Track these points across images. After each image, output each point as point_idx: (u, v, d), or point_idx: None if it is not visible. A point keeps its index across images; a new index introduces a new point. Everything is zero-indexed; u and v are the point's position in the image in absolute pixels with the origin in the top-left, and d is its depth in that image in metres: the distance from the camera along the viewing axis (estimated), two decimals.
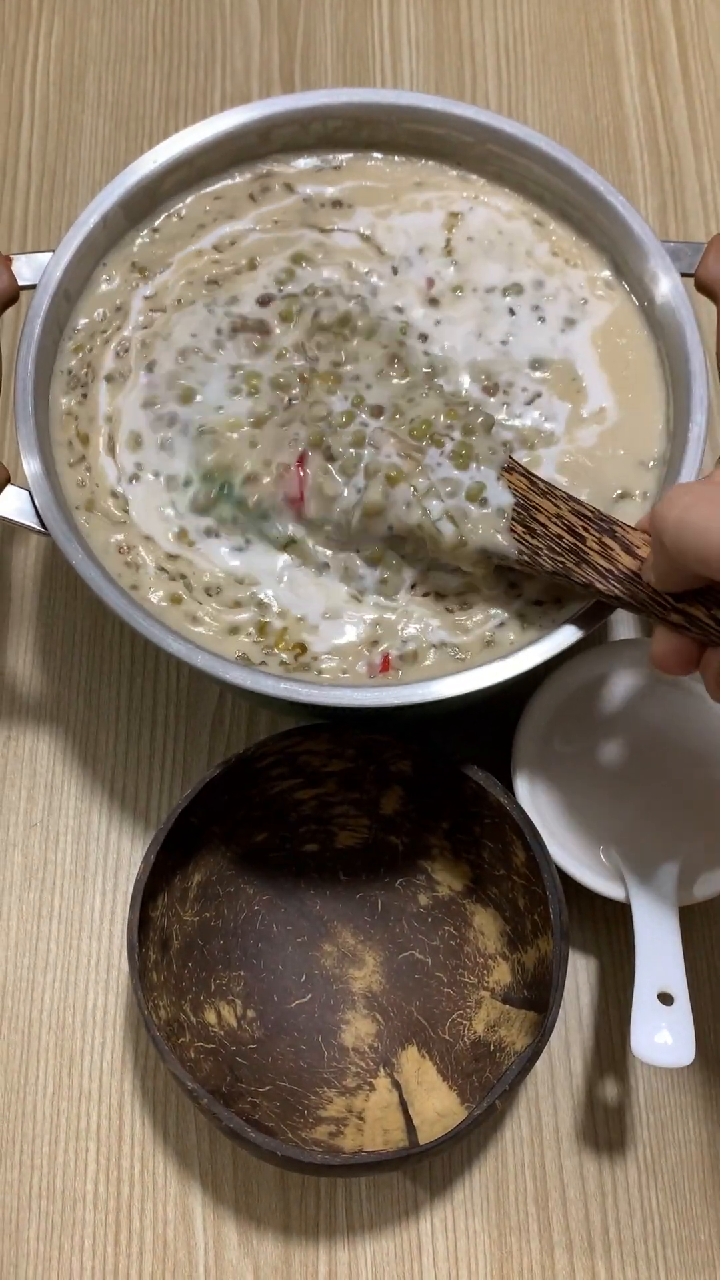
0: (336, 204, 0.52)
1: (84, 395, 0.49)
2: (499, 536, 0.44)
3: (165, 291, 0.51)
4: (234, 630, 0.46)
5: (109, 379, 0.49)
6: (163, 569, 0.47)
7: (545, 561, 0.43)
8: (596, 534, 0.42)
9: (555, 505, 0.44)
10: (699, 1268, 0.50)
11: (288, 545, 0.47)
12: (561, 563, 0.42)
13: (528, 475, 0.45)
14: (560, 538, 0.43)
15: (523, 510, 0.44)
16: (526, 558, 0.43)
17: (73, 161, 0.69)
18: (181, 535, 0.47)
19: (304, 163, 0.52)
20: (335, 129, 0.52)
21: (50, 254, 0.49)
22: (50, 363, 0.49)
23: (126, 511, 0.47)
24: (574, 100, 0.70)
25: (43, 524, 0.45)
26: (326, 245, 0.51)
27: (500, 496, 0.44)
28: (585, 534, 0.43)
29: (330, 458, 0.46)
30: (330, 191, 0.52)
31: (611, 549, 0.42)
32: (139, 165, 0.50)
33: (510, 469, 0.45)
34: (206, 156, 0.51)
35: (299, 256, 0.51)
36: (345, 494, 0.45)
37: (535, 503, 0.44)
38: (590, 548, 0.42)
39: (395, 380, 0.48)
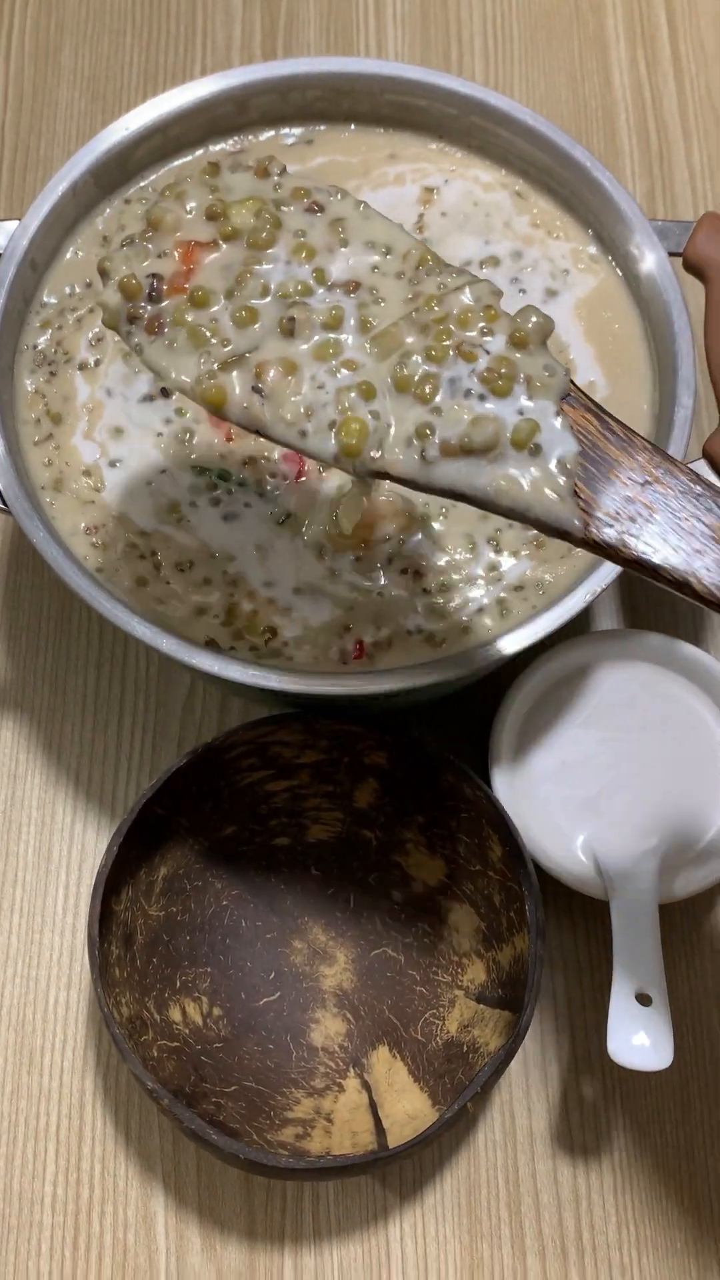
0: None
1: (52, 374, 0.48)
2: (559, 506, 0.33)
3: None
4: (201, 612, 0.44)
5: (83, 367, 0.47)
6: (133, 545, 0.45)
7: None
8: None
9: (632, 458, 0.33)
10: (675, 1275, 0.48)
11: (286, 520, 0.45)
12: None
13: (595, 409, 0.34)
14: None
15: (590, 465, 0.33)
16: (585, 528, 0.33)
17: (47, 135, 0.68)
18: (172, 509, 0.45)
19: (278, 133, 0.51)
20: (315, 99, 0.50)
21: (16, 222, 0.47)
22: (15, 337, 0.48)
23: (99, 491, 0.46)
24: (562, 82, 0.69)
25: (3, 502, 0.44)
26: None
27: (560, 442, 0.33)
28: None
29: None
30: (299, 170, 0.50)
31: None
32: (110, 132, 0.48)
33: (570, 398, 0.34)
34: (181, 125, 0.50)
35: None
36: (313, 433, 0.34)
37: (609, 454, 0.33)
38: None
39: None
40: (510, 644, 0.42)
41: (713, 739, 0.51)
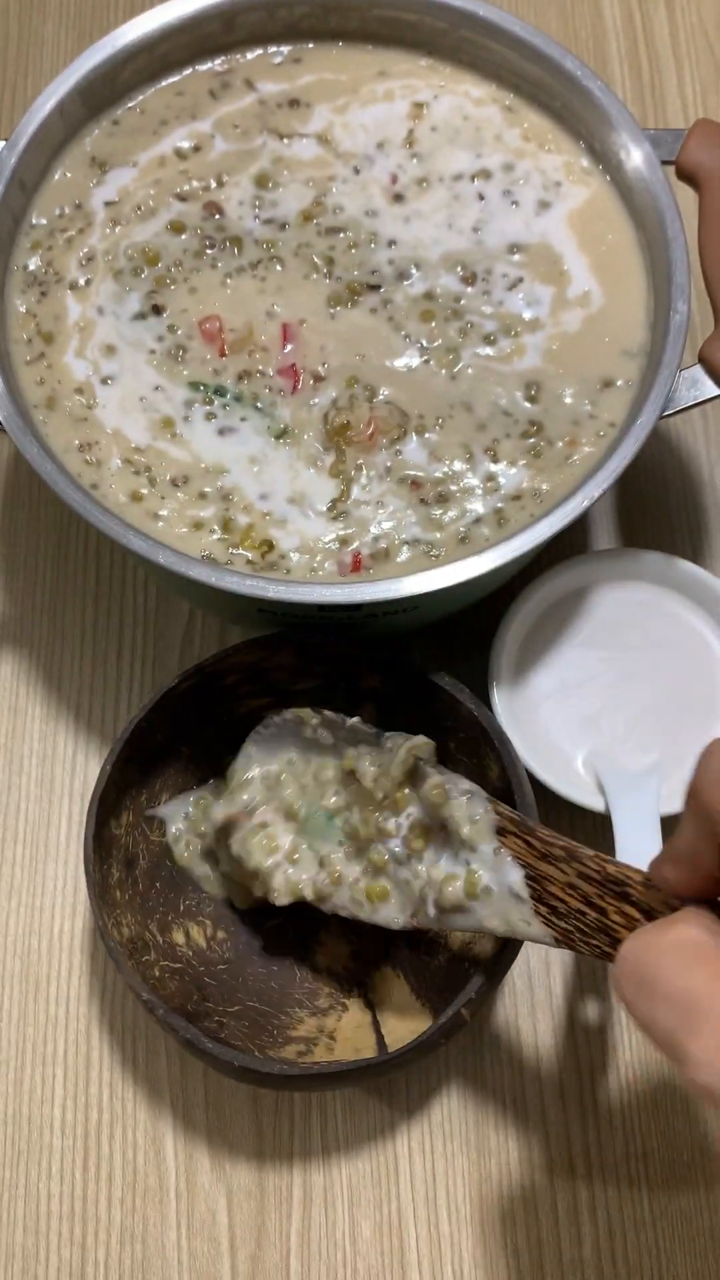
0: (294, 103, 0.50)
1: (43, 294, 0.47)
2: (530, 926, 0.39)
3: (127, 198, 0.49)
4: (198, 526, 0.44)
5: (73, 287, 0.47)
6: (128, 461, 0.45)
7: (582, 947, 0.38)
8: (615, 902, 0.37)
9: (561, 870, 0.38)
10: (681, 1187, 0.48)
11: (283, 434, 0.45)
12: (597, 946, 0.37)
13: (520, 830, 0.40)
14: (584, 914, 0.37)
15: (535, 884, 0.39)
16: (564, 943, 0.38)
17: (34, 74, 0.67)
18: (165, 424, 0.45)
19: (266, 52, 0.50)
20: (302, 16, 0.50)
21: (3, 142, 0.47)
22: (5, 257, 0.47)
23: (91, 409, 0.46)
24: (552, 13, 0.68)
25: None
26: (287, 159, 0.49)
27: (504, 874, 0.39)
28: (605, 905, 0.37)
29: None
30: (287, 89, 0.50)
31: (635, 920, 0.36)
32: (97, 49, 0.48)
33: (503, 829, 0.40)
34: (168, 43, 0.49)
35: (263, 178, 0.49)
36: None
37: (543, 871, 0.38)
38: (615, 922, 0.37)
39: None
40: (506, 552, 0.42)
41: (711, 655, 0.51)
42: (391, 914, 0.43)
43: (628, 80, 0.67)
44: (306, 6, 0.50)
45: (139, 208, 0.48)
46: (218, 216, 0.48)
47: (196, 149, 0.49)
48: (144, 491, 0.45)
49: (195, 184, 0.49)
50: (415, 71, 0.50)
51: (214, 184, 0.49)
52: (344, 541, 0.44)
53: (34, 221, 0.48)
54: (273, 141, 0.49)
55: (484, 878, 0.40)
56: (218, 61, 0.50)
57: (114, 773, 0.46)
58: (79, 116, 0.49)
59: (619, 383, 0.45)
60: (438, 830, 0.42)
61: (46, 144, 0.48)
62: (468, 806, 0.41)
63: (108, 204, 0.48)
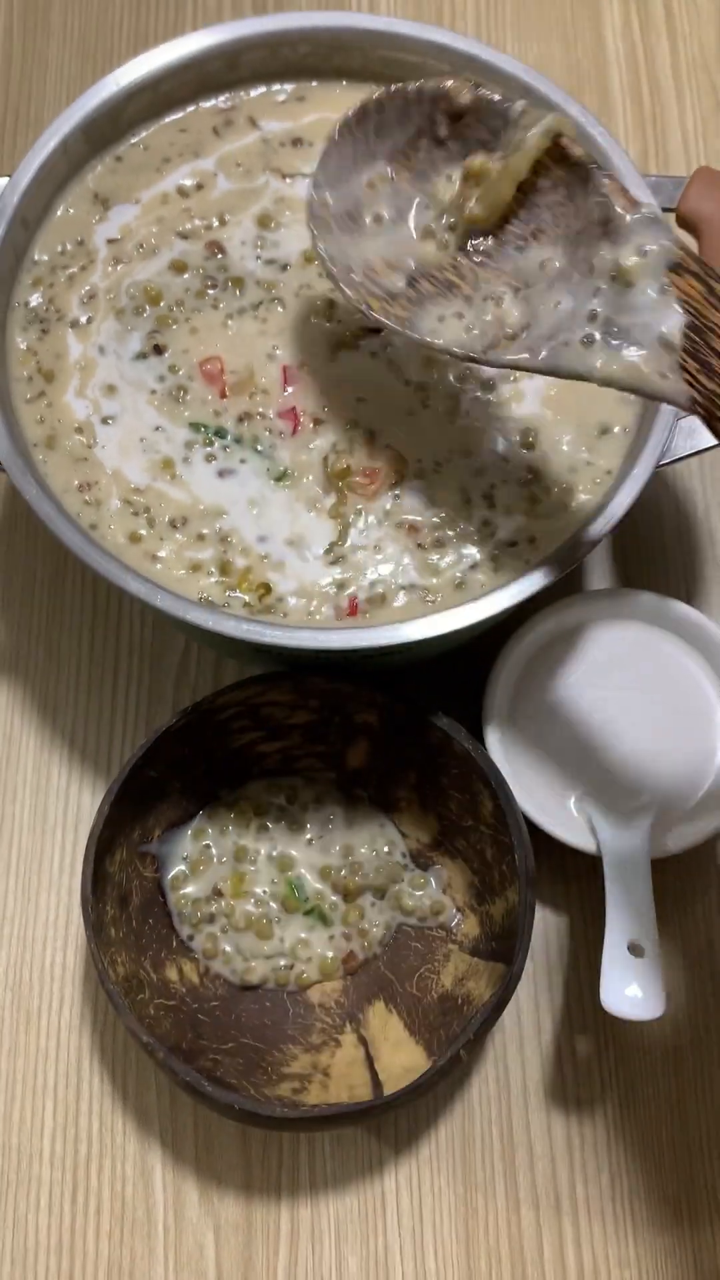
0: (297, 142, 0.50)
1: (44, 331, 0.47)
2: (666, 380, 0.33)
3: (129, 235, 0.49)
4: (196, 568, 0.44)
5: (74, 325, 0.47)
6: (127, 502, 0.45)
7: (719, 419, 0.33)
8: None
9: None
10: (667, 1225, 0.49)
11: (282, 477, 0.45)
12: None
13: (705, 274, 0.34)
14: None
15: (695, 336, 0.33)
16: (702, 410, 0.33)
17: (37, 97, 0.67)
18: (165, 465, 0.45)
19: (269, 90, 0.50)
20: (306, 55, 0.50)
21: (6, 179, 0.47)
22: (7, 294, 0.47)
23: (91, 448, 0.46)
24: (555, 42, 0.69)
25: None
26: (288, 198, 0.49)
27: (659, 318, 0.33)
28: None
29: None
30: (290, 127, 0.50)
31: None
32: (101, 87, 0.48)
33: (679, 266, 0.34)
34: (172, 81, 0.49)
35: (265, 218, 0.49)
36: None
37: (713, 322, 0.33)
38: None
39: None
40: (502, 599, 0.42)
41: (705, 696, 0.51)
42: (458, 336, 0.37)
43: (629, 110, 0.68)
44: (309, 45, 0.50)
45: (141, 245, 0.48)
46: (219, 255, 0.48)
47: (199, 187, 0.49)
48: (143, 533, 0.45)
49: (198, 222, 0.49)
50: None
51: (216, 223, 0.49)
52: (341, 585, 0.44)
53: (36, 258, 0.48)
54: (275, 180, 0.49)
55: (629, 319, 0.34)
56: (221, 98, 0.51)
57: (110, 812, 0.46)
58: (82, 153, 0.49)
59: (616, 430, 0.46)
60: (572, 241, 0.35)
61: (50, 181, 0.48)
62: (641, 233, 0.34)
63: (110, 241, 0.48)
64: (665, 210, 0.47)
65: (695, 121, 0.67)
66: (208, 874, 0.51)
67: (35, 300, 0.47)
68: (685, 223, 0.47)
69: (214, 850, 0.51)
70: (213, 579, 0.44)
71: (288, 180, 0.49)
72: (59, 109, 0.66)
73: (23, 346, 0.47)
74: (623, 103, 0.68)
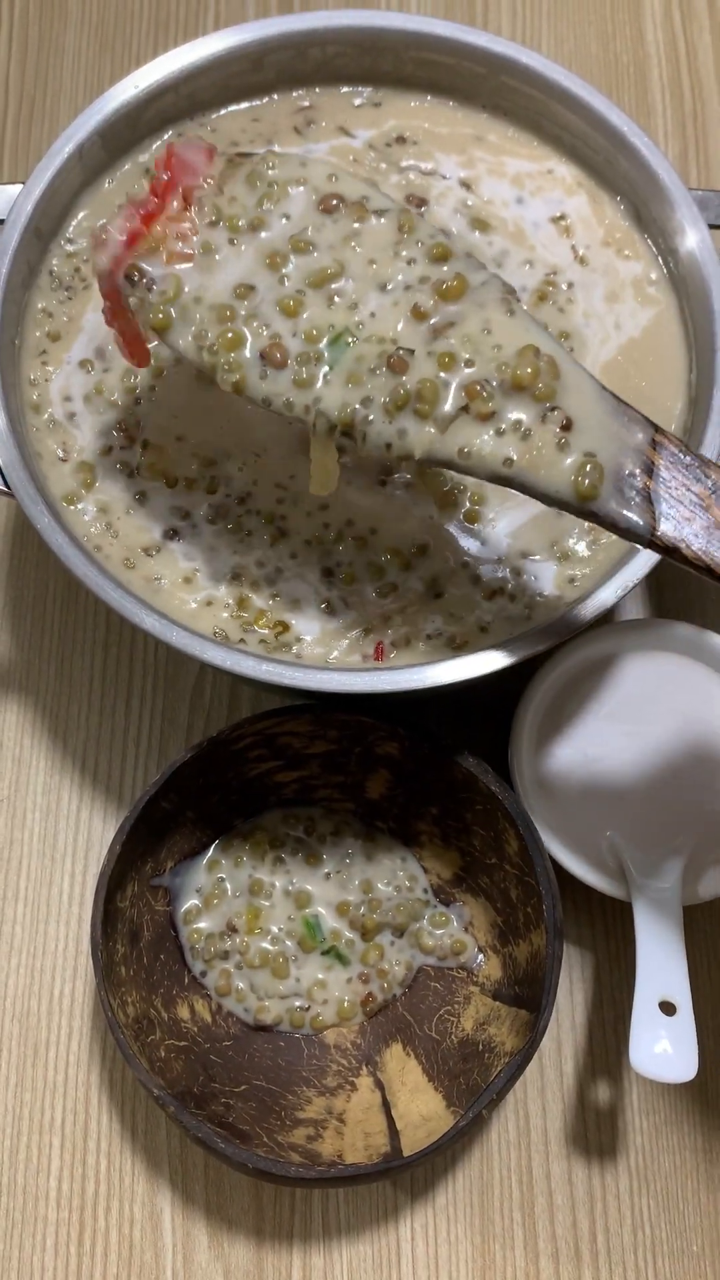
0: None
1: (47, 361, 0.45)
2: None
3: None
4: (210, 603, 0.42)
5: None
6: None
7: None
8: None
9: (633, 435, 0.35)
10: (690, 1279, 0.47)
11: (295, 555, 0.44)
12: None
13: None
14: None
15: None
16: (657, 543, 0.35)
17: (53, 86, 0.65)
18: (168, 535, 0.44)
19: (292, 96, 0.48)
20: (335, 56, 0.48)
21: (20, 186, 0.45)
22: (19, 308, 0.45)
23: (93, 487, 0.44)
24: (592, 36, 0.66)
25: (5, 484, 0.42)
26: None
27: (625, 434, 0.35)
28: None
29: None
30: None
31: None
32: (119, 90, 0.46)
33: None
34: (193, 84, 0.47)
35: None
36: None
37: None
38: None
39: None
40: (530, 645, 0.40)
41: None
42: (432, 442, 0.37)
43: (669, 107, 0.65)
44: (339, 46, 0.47)
45: None
46: None
47: None
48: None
49: None
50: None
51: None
52: (366, 630, 0.42)
53: (52, 268, 0.46)
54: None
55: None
56: (244, 105, 0.48)
57: (122, 849, 0.45)
58: (99, 159, 0.47)
59: None
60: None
61: (65, 188, 0.46)
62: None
63: None
64: (713, 227, 0.45)
65: None
66: (221, 908, 0.49)
67: (40, 334, 0.45)
68: None
69: (228, 884, 0.50)
70: (229, 613, 0.42)
71: None
72: (75, 99, 0.64)
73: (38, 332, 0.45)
74: (663, 99, 0.65)
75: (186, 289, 0.37)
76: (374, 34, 0.47)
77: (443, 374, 0.35)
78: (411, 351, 0.36)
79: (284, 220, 0.38)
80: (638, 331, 0.45)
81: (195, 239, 0.37)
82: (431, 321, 0.36)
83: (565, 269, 0.46)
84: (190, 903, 0.49)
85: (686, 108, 0.65)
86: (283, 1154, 0.44)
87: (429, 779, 0.49)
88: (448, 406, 0.35)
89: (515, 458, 0.35)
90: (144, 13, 0.66)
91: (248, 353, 0.37)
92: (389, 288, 0.37)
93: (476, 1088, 0.45)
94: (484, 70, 0.47)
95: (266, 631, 0.42)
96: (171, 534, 0.43)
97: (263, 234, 0.38)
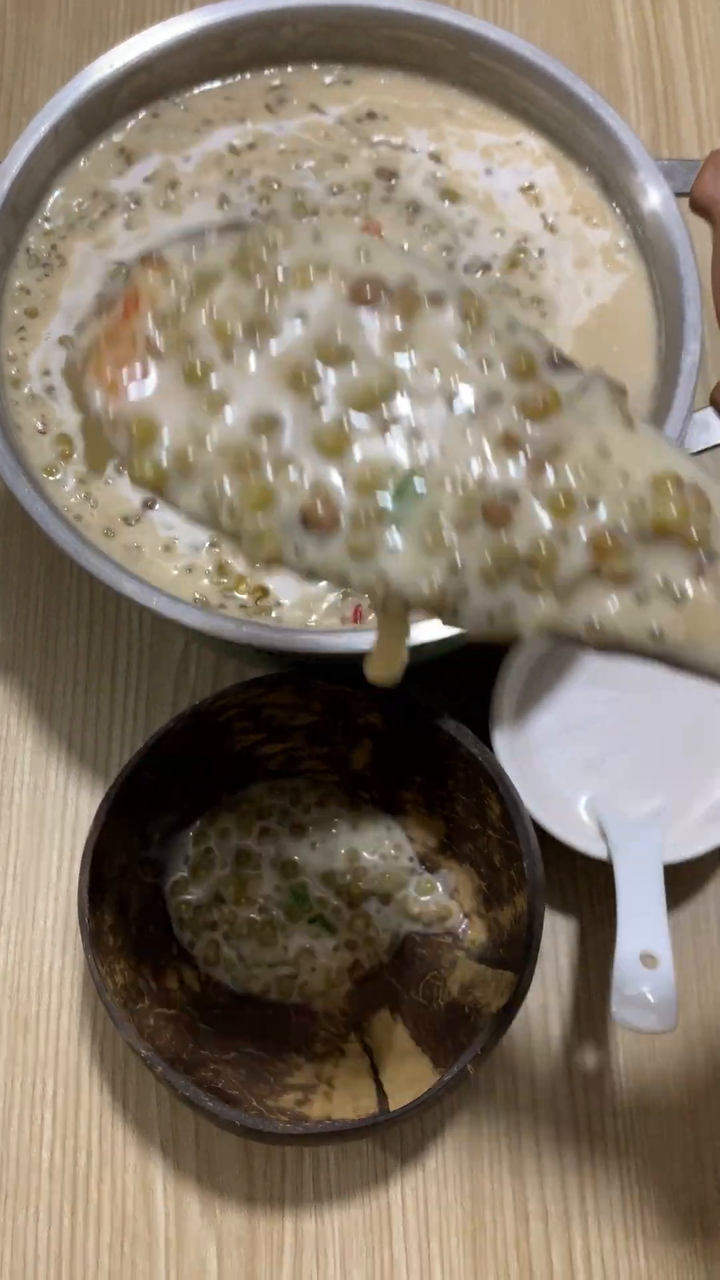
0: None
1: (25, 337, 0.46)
2: None
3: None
4: (190, 570, 0.43)
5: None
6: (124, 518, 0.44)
7: None
8: None
9: None
10: (680, 1237, 0.48)
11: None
12: None
13: None
14: None
15: None
16: None
17: (31, 82, 0.65)
18: (147, 504, 0.44)
19: (264, 74, 0.49)
20: (307, 35, 0.48)
21: None
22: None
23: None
24: (563, 20, 0.67)
25: None
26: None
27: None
28: None
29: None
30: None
31: None
32: (94, 69, 0.46)
33: None
34: (167, 63, 0.48)
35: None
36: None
37: None
38: None
39: None
40: None
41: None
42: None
43: (640, 92, 0.66)
44: (310, 25, 0.48)
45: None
46: None
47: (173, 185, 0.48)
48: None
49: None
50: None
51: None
52: (345, 594, 0.43)
53: (29, 247, 0.47)
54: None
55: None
56: (217, 84, 0.49)
57: (107, 818, 0.45)
58: (75, 139, 0.47)
59: None
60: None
61: (41, 168, 0.47)
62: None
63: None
64: (679, 195, 0.45)
65: (709, 102, 0.66)
66: (209, 879, 0.50)
67: (18, 312, 0.46)
68: (699, 207, 0.45)
69: (216, 854, 0.50)
70: (208, 580, 0.43)
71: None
72: (54, 93, 0.65)
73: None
74: (634, 83, 0.66)
75: (168, 428, 0.27)
76: (345, 12, 0.48)
77: (558, 523, 0.26)
78: (515, 497, 0.27)
79: (299, 321, 0.27)
80: (608, 297, 0.46)
81: (155, 362, 0.27)
82: (528, 449, 0.27)
83: (535, 236, 0.47)
84: (178, 875, 0.50)
85: (658, 91, 0.66)
86: (271, 1117, 0.44)
87: (412, 747, 0.49)
88: (571, 569, 0.26)
89: (665, 629, 0.26)
90: (121, 6, 0.67)
91: (283, 513, 0.27)
92: (460, 405, 0.27)
93: (463, 1048, 0.45)
94: (453, 47, 0.48)
95: (246, 597, 0.43)
96: (150, 503, 0.44)
97: (274, 342, 0.27)
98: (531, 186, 0.47)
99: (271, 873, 0.50)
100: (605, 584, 0.27)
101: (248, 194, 0.48)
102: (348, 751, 0.51)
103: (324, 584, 0.43)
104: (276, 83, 0.49)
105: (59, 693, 0.55)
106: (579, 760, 0.49)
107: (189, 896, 0.50)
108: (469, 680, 0.51)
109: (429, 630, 0.41)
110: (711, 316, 0.44)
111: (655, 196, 0.44)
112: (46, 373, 0.45)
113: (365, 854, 0.50)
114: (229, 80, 0.49)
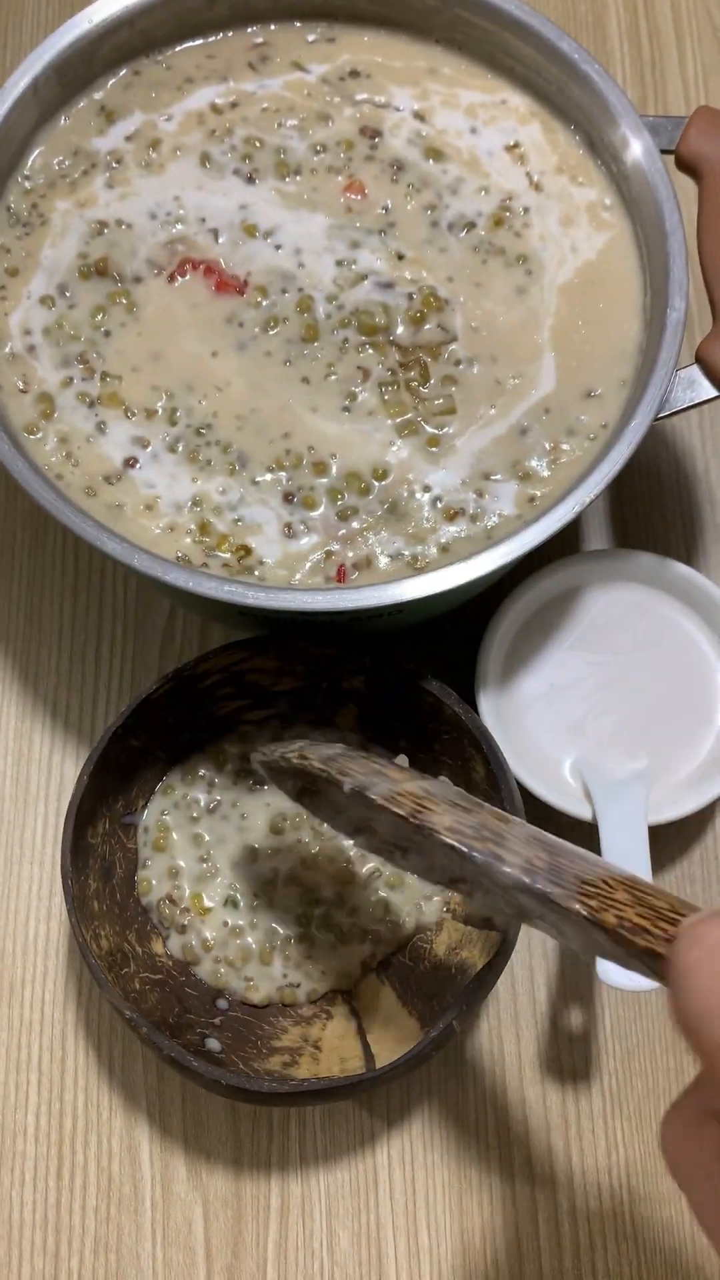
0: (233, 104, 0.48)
1: (5, 296, 0.45)
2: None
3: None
4: (172, 529, 0.43)
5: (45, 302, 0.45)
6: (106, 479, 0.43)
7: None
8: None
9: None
10: (664, 1199, 0.48)
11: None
12: None
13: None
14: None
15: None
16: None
17: (13, 45, 0.65)
18: (128, 463, 0.44)
19: (246, 31, 0.48)
20: None
21: None
22: None
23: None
24: None
25: None
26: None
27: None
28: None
29: None
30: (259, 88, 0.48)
31: None
32: (73, 24, 0.46)
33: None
34: (148, 19, 0.47)
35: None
36: None
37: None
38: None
39: None
40: (494, 559, 0.41)
41: (704, 660, 0.50)
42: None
43: (627, 57, 0.65)
44: None
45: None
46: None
47: (154, 144, 0.47)
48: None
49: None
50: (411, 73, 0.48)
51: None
52: (327, 554, 0.43)
53: (9, 204, 0.46)
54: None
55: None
56: (198, 41, 0.48)
57: (90, 782, 0.45)
58: (55, 95, 0.47)
59: (609, 389, 0.44)
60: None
61: (21, 124, 0.46)
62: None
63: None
64: (664, 152, 0.45)
65: (696, 67, 0.65)
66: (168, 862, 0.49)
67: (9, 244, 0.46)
68: (684, 164, 0.45)
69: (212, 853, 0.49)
70: (190, 538, 0.43)
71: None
72: None
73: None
74: (620, 47, 0.65)
75: None
76: None
77: None
78: None
79: None
80: (593, 254, 0.45)
81: None
82: None
83: (520, 194, 0.46)
84: (152, 818, 0.49)
85: (645, 55, 0.65)
86: (256, 1078, 0.44)
87: (396, 712, 0.49)
88: None
89: None
90: None
91: None
92: None
93: (449, 1008, 0.45)
94: (437, 3, 0.47)
95: (229, 555, 0.43)
96: (132, 462, 0.44)
97: None
98: (517, 145, 0.47)
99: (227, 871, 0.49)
100: None
101: (230, 153, 0.47)
102: (332, 717, 0.51)
103: (306, 542, 0.43)
104: (259, 40, 0.48)
105: (43, 659, 0.54)
106: (564, 722, 0.49)
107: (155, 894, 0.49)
108: (455, 645, 0.51)
109: (416, 587, 0.40)
110: (697, 273, 0.44)
111: (639, 149, 0.44)
112: (28, 332, 0.45)
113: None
114: (211, 38, 0.48)
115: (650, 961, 0.29)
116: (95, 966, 0.43)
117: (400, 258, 0.46)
